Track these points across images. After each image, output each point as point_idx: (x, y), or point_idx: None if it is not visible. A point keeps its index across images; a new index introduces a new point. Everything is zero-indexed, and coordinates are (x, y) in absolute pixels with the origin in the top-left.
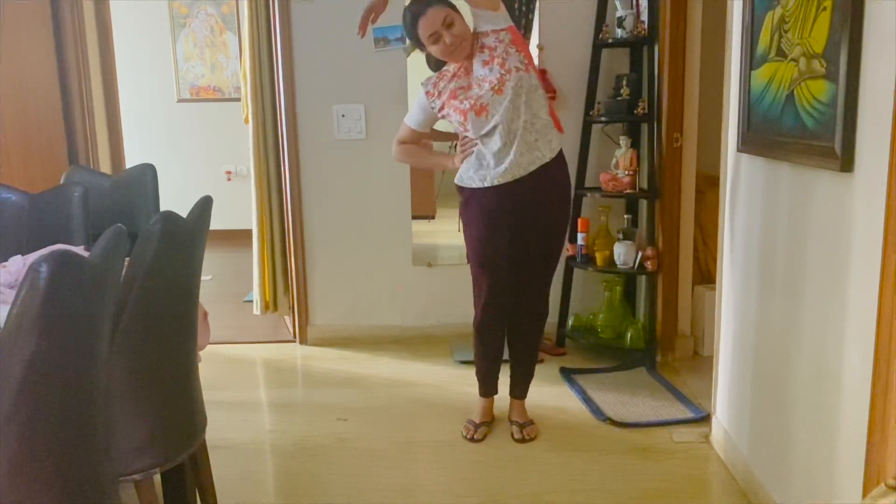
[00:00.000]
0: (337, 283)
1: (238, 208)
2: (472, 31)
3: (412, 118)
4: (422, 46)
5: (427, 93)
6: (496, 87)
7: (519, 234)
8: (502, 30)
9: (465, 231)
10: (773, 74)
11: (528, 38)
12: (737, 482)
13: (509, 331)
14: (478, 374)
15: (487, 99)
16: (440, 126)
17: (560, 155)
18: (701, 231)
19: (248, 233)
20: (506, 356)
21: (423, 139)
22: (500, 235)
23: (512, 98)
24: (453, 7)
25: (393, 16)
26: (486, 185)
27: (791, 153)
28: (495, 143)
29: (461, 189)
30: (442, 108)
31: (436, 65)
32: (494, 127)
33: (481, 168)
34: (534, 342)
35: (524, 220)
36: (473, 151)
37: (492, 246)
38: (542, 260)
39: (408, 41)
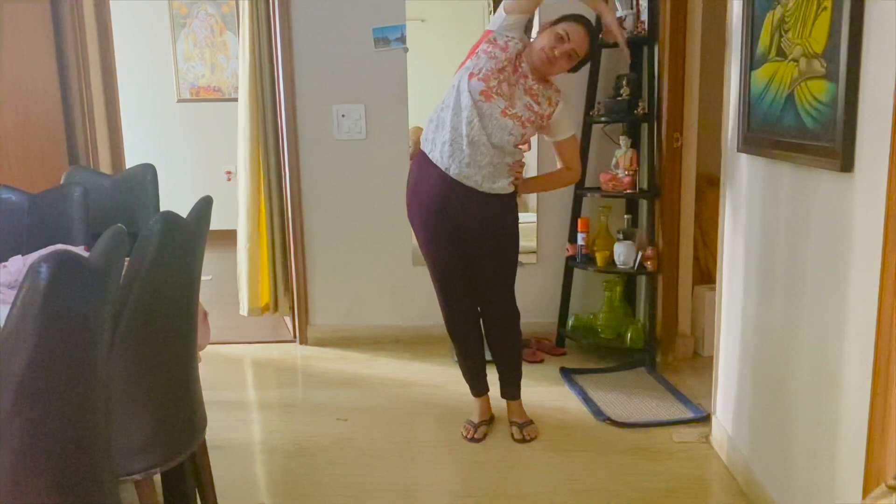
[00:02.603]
0: (337, 283)
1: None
2: (554, 103)
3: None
4: (549, 25)
5: (492, 32)
6: (508, 113)
7: (463, 246)
8: (553, 121)
9: (415, 235)
10: (773, 74)
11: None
12: (737, 482)
13: (486, 334)
14: (463, 375)
15: (495, 107)
16: None
17: (498, 199)
18: (701, 231)
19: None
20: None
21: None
22: (445, 244)
23: (501, 131)
24: (589, 56)
25: (393, 16)
26: (434, 156)
27: (791, 153)
28: (458, 132)
29: (416, 157)
30: (490, 41)
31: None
32: (470, 114)
33: (437, 140)
34: (511, 343)
35: (463, 234)
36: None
37: (438, 252)
38: (492, 269)
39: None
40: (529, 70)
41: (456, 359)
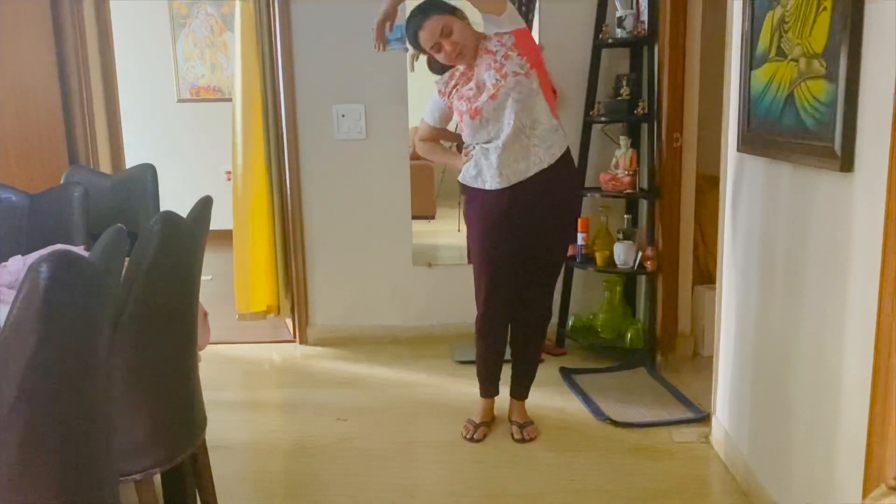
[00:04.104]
0: (337, 283)
1: None
2: (481, 33)
3: (430, 115)
4: (427, 53)
5: (440, 92)
6: (492, 94)
7: (520, 237)
8: (506, 33)
9: (467, 229)
10: (773, 74)
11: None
12: (737, 482)
13: (512, 331)
14: (479, 374)
15: (482, 103)
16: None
17: (562, 160)
18: (701, 231)
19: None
20: (507, 356)
21: (440, 136)
22: (501, 235)
23: (509, 104)
24: (453, 11)
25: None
26: (486, 188)
27: (791, 153)
28: (492, 148)
29: (464, 187)
30: (451, 105)
31: (439, 68)
32: (489, 132)
33: (480, 172)
34: (536, 343)
35: (525, 223)
36: (473, 155)
37: (493, 245)
38: (543, 263)
39: (411, 49)
40: (470, 67)
41: (457, 359)
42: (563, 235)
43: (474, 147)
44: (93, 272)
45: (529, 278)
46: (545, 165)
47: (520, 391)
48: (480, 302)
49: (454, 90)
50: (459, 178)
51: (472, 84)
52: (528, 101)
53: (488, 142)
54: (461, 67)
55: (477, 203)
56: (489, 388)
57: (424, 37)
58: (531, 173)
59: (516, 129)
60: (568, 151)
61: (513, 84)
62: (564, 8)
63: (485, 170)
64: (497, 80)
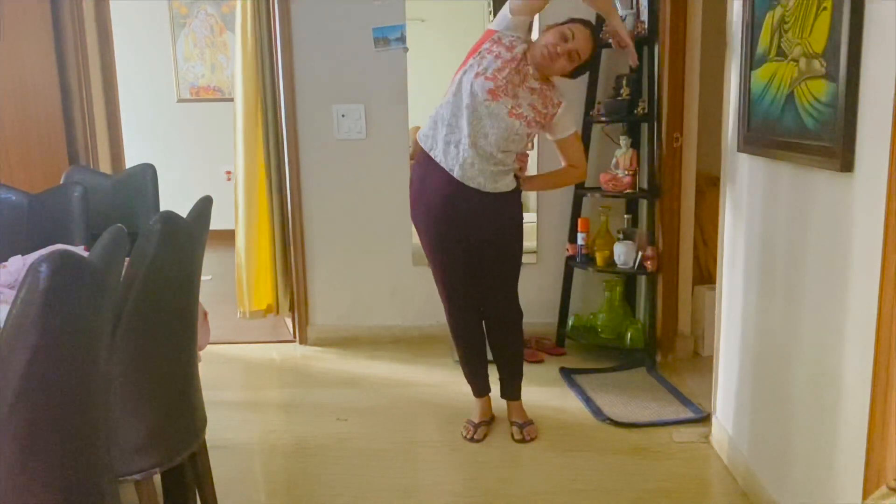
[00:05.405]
0: (337, 283)
1: None
2: (556, 103)
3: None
4: (554, 35)
5: (498, 30)
6: (515, 113)
7: (468, 247)
8: (551, 123)
9: (418, 237)
10: (773, 74)
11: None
12: (737, 482)
13: (488, 334)
14: (465, 375)
15: (500, 102)
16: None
17: (507, 195)
18: (701, 231)
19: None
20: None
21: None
22: (451, 245)
23: (504, 131)
24: (590, 62)
25: (392, 16)
26: (436, 155)
27: (791, 153)
28: (461, 141)
29: (418, 155)
30: (494, 41)
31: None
32: (470, 119)
33: (438, 138)
34: (512, 343)
35: (469, 235)
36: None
37: (444, 254)
38: (495, 262)
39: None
40: (532, 70)
41: (456, 359)
42: (509, 248)
43: (445, 124)
44: (93, 272)
45: (486, 276)
46: (483, 190)
47: (510, 392)
48: (445, 307)
49: (495, 54)
50: (420, 133)
51: (512, 75)
52: (510, 149)
53: (460, 127)
54: (516, 51)
55: (421, 207)
56: (479, 387)
57: (579, 34)
58: (470, 185)
59: (485, 152)
60: (517, 194)
61: (522, 134)
62: (564, 8)
63: (440, 141)
64: (526, 116)
